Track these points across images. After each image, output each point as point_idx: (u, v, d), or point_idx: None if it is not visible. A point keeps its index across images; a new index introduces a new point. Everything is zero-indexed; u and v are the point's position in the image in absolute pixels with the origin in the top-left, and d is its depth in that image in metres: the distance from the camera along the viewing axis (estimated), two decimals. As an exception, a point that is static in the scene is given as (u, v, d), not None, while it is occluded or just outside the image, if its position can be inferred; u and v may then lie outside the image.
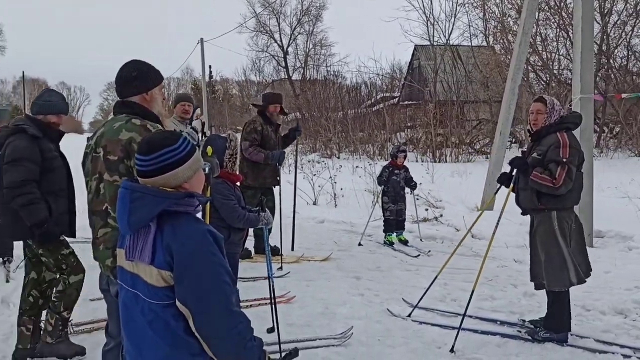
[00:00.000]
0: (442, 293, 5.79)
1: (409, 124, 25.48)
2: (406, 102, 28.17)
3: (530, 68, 24.14)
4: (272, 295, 4.32)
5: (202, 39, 30.76)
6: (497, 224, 4.73)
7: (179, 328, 1.98)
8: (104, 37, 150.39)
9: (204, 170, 2.16)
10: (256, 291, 5.58)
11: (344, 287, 5.87)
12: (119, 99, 2.94)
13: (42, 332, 4.15)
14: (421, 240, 8.27)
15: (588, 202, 8.19)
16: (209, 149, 3.37)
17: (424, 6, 31.24)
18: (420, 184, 11.77)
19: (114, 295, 2.79)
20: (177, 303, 1.96)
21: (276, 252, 6.97)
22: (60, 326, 4.10)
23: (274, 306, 4.30)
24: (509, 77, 9.94)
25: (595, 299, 5.53)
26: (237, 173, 4.07)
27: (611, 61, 22.63)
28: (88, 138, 3.04)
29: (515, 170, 4.57)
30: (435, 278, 5.27)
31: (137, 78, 2.89)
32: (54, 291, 4.15)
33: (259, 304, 5.21)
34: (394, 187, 8.01)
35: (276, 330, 4.19)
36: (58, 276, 4.13)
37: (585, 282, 4.63)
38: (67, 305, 4.11)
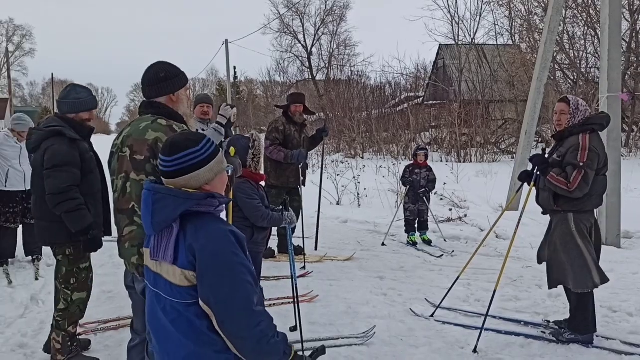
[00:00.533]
0: (465, 293, 5.76)
1: (434, 124, 25.34)
2: (430, 102, 28.03)
3: (557, 66, 23.87)
4: (295, 294, 4.34)
5: (226, 40, 31.05)
6: (518, 223, 4.70)
7: (202, 326, 2.02)
8: (130, 39, 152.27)
9: (227, 171, 2.20)
10: (279, 290, 5.62)
11: (366, 287, 5.88)
12: (144, 99, 3.00)
13: (51, 352, 4.05)
14: (445, 240, 8.23)
15: (615, 203, 8.08)
16: (232, 149, 3.41)
17: (448, 5, 31.07)
18: (445, 183, 11.79)
19: (139, 293, 2.85)
20: (200, 302, 2.00)
21: (299, 251, 7.00)
22: (68, 342, 4.02)
23: (296, 305, 4.32)
24: (534, 75, 9.83)
25: (622, 300, 5.46)
26: (261, 172, 4.10)
27: (640, 59, 22.24)
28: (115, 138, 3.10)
29: (535, 168, 4.53)
30: (458, 278, 5.25)
31: (164, 79, 2.95)
32: (56, 309, 4.03)
33: (282, 303, 5.25)
34: (414, 187, 7.98)
35: (299, 328, 4.21)
36: (61, 287, 4.00)
37: (609, 281, 4.55)
38: (71, 322, 4.03)
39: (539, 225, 7.75)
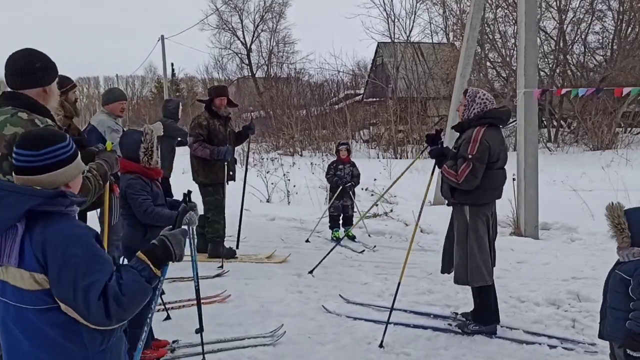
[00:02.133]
0: (380, 288, 5.78)
1: (373, 121, 25.55)
2: (369, 99, 28.25)
3: (489, 64, 24.49)
4: (197, 296, 4.22)
5: (162, 36, 30.40)
6: (420, 213, 4.74)
7: (56, 335, 1.91)
8: (63, 34, 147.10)
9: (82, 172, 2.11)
10: (191, 291, 5.46)
11: (282, 285, 5.80)
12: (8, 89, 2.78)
13: None
14: (369, 235, 8.25)
15: (533, 196, 8.31)
16: (108, 144, 3.25)
17: (384, 3, 31.29)
18: (375, 179, 11.88)
19: None
20: (61, 305, 1.89)
21: (232, 254, 6.86)
22: None
23: (199, 306, 4.20)
24: (457, 72, 10.00)
25: (531, 289, 5.58)
26: (157, 167, 3.94)
27: (568, 57, 23.04)
28: None
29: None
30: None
31: (40, 69, 2.74)
32: None
33: (192, 304, 5.08)
34: (341, 183, 7.96)
35: (200, 330, 4.09)
36: None
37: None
38: None
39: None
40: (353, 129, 24.67)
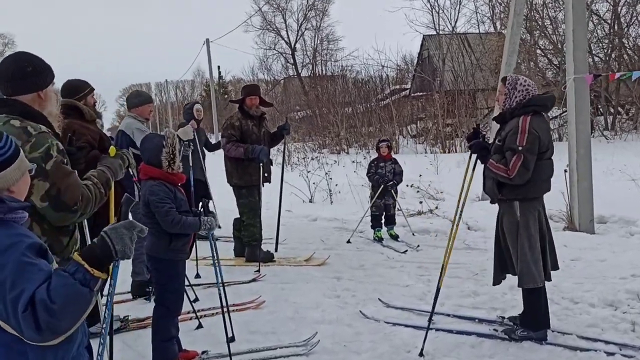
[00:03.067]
0: (423, 290, 5.49)
1: (422, 115, 25.07)
2: (417, 94, 27.75)
3: (540, 52, 23.61)
4: (225, 304, 4.09)
5: (207, 39, 30.70)
6: (461, 211, 4.45)
7: (1, 357, 1.74)
8: (112, 43, 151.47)
9: (30, 171, 1.92)
10: (231, 297, 5.34)
11: (320, 289, 5.59)
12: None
13: None
14: (413, 234, 7.96)
15: (587, 188, 7.84)
16: (112, 149, 3.11)
17: (427, -7, 30.63)
18: (420, 175, 11.53)
19: None
20: None
21: (270, 257, 6.73)
22: None
23: (225, 314, 4.06)
24: (502, 61, 9.56)
25: (586, 289, 5.20)
26: (180, 172, 3.81)
27: (623, 41, 21.97)
28: None
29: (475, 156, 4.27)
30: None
31: (32, 74, 2.62)
32: None
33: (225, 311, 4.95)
34: (382, 181, 7.70)
35: (227, 340, 3.95)
36: None
37: (550, 280, 4.30)
38: None
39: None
40: (400, 125, 24.26)
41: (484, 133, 4.46)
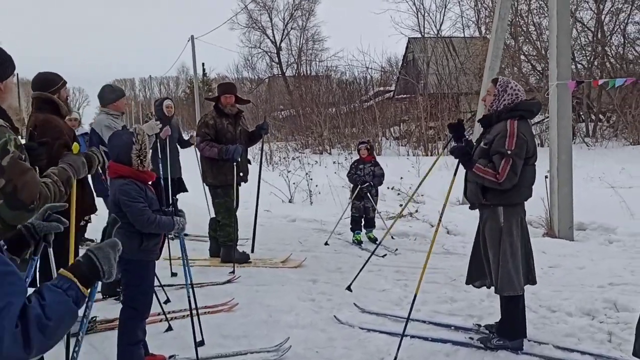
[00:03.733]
0: (399, 295, 5.40)
1: (405, 118, 25.06)
2: (401, 96, 27.75)
3: (524, 58, 23.71)
4: (195, 306, 3.96)
5: (192, 36, 30.45)
6: (441, 214, 4.38)
7: None
8: (99, 38, 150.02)
9: None
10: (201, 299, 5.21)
11: (295, 292, 5.48)
12: None
13: None
14: (392, 237, 7.87)
15: (567, 194, 7.82)
16: (75, 146, 2.98)
17: (413, -4, 30.68)
18: (401, 178, 11.48)
19: None
20: None
21: (245, 258, 6.60)
22: None
23: (196, 317, 3.93)
24: (486, 65, 9.54)
25: (564, 298, 5.15)
26: (149, 170, 3.67)
27: (606, 49, 22.14)
28: None
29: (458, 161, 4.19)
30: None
31: None
32: None
33: (204, 312, 4.80)
34: (360, 183, 7.62)
35: (194, 344, 3.82)
36: None
37: (535, 283, 4.26)
38: None
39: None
40: (384, 126, 24.23)
41: (467, 130, 4.36)
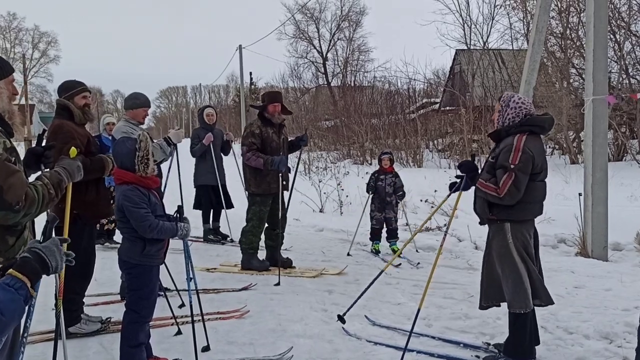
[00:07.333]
0: (413, 310, 5.26)
1: (449, 130, 24.78)
2: (446, 108, 27.47)
3: (575, 71, 23.09)
4: (200, 312, 4.02)
5: (240, 46, 30.98)
6: (446, 231, 4.35)
7: None
8: (150, 47, 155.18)
9: None
10: (215, 304, 5.30)
11: (309, 301, 5.48)
12: None
13: None
14: (417, 250, 7.79)
15: (601, 213, 7.58)
16: (72, 150, 3.07)
17: (460, 8, 30.34)
18: (435, 191, 11.33)
19: None
20: None
21: (288, 264, 6.70)
22: None
23: (200, 323, 3.98)
24: (522, 78, 9.36)
25: (583, 320, 4.97)
26: (154, 175, 3.75)
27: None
28: None
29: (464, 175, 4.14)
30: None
31: None
32: None
33: (209, 319, 4.87)
34: (380, 194, 7.59)
35: (194, 350, 3.87)
36: None
37: (552, 303, 4.12)
38: None
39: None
40: (427, 138, 24.00)
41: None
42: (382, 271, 5.07)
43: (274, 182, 6.57)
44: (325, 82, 37.82)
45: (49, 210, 2.61)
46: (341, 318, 4.80)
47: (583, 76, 22.61)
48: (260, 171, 6.57)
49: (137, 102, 5.41)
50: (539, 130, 4.05)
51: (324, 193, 11.03)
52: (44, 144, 3.25)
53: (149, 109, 5.66)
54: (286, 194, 6.91)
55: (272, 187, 6.59)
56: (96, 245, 4.93)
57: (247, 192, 6.90)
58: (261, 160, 6.47)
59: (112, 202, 4.92)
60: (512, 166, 3.83)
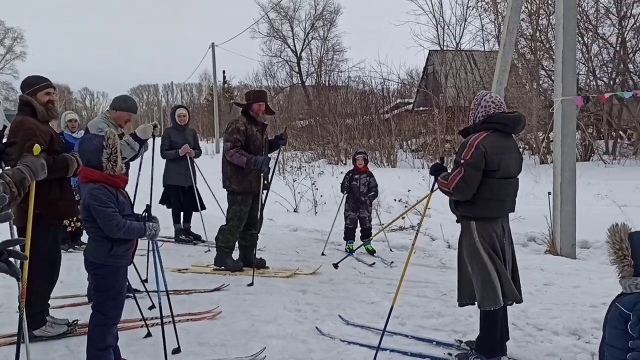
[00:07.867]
0: (386, 308, 5.29)
1: (423, 130, 24.95)
2: (420, 108, 27.68)
3: (544, 73, 23.44)
4: (170, 313, 3.96)
5: (212, 44, 30.78)
6: (418, 229, 4.36)
7: None
8: (125, 47, 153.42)
9: None
10: (186, 306, 5.23)
11: (282, 302, 5.45)
12: None
13: None
14: (390, 249, 7.81)
15: (569, 211, 7.69)
16: (36, 147, 3.00)
17: (433, 10, 30.61)
18: (409, 190, 11.40)
19: None
20: None
21: (262, 264, 6.65)
22: None
23: (171, 325, 3.92)
24: (494, 79, 9.45)
25: (553, 316, 5.04)
26: (122, 174, 3.68)
27: (629, 66, 21.79)
28: None
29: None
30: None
31: None
32: None
33: (179, 320, 4.81)
34: (354, 193, 7.60)
35: (164, 352, 3.81)
36: None
37: (521, 301, 4.16)
38: None
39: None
40: (401, 138, 24.15)
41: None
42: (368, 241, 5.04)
43: (255, 180, 6.51)
44: (300, 82, 37.76)
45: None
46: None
47: (552, 78, 23.19)
48: (242, 169, 6.50)
49: (123, 105, 5.31)
50: (502, 127, 3.99)
51: (298, 193, 11.00)
52: (4, 141, 3.16)
53: (134, 115, 5.54)
54: (265, 193, 6.86)
55: (253, 185, 6.53)
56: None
57: (226, 190, 6.81)
58: (244, 159, 6.39)
59: (77, 200, 4.80)
60: (462, 161, 3.86)
